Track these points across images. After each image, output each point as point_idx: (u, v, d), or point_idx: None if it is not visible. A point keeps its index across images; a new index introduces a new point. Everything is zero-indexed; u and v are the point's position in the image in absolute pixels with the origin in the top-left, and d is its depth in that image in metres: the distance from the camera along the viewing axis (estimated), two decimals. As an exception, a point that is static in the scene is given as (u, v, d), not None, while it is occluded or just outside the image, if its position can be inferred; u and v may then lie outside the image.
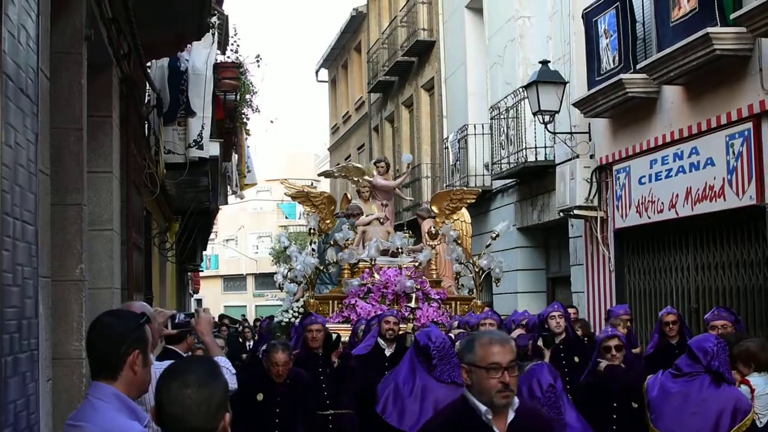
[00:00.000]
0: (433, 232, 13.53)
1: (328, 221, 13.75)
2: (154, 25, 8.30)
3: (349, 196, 16.21)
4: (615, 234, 13.21)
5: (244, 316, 36.40)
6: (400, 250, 12.92)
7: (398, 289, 12.36)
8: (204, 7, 8.32)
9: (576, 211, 13.60)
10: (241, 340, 18.11)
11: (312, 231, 13.41)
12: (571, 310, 11.73)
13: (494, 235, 13.11)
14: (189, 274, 29.10)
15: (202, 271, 37.80)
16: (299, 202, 14.42)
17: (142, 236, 10.54)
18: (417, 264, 12.91)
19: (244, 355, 15.29)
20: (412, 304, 12.08)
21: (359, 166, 15.59)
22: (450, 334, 9.97)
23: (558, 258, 16.53)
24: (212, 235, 30.70)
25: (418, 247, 13.87)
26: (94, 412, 3.13)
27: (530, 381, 7.04)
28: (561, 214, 14.13)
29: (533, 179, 16.04)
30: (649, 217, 12.16)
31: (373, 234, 13.41)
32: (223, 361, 5.61)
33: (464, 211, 14.32)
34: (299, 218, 50.08)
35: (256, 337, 15.77)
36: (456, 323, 11.24)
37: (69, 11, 5.76)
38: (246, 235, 57.61)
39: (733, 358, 6.54)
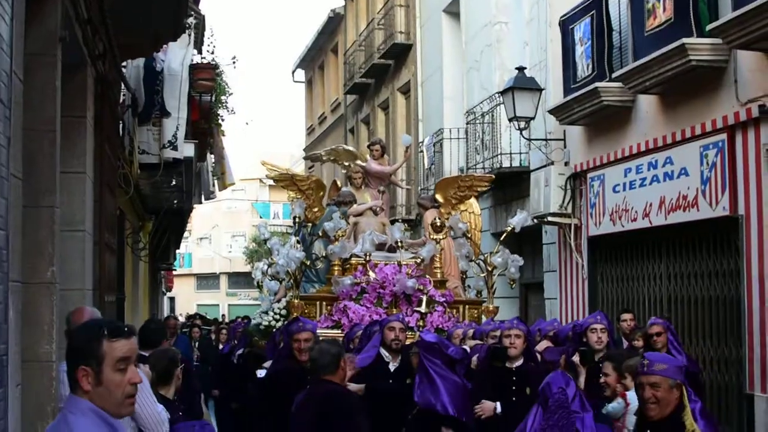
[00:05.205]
0: (438, 224, 11.50)
1: (316, 209, 12.14)
2: (130, 26, 8.27)
3: (338, 182, 14.21)
4: (588, 241, 13.25)
5: (224, 316, 36.14)
6: (399, 244, 11.23)
7: (397, 290, 10.69)
8: (180, 7, 8.29)
9: (550, 218, 13.65)
10: (214, 342, 17.57)
11: (297, 219, 11.74)
12: (626, 316, 10.23)
13: (510, 229, 11.66)
14: (162, 272, 28.98)
15: (176, 269, 37.66)
16: (282, 187, 12.91)
17: (114, 236, 10.46)
18: (419, 260, 11.23)
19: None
20: (423, 309, 10.57)
21: (350, 149, 14.24)
22: (464, 347, 8.96)
23: (531, 264, 16.53)
24: (186, 234, 30.56)
25: (419, 241, 12.25)
26: (68, 427, 3.00)
27: (543, 390, 6.07)
28: (535, 220, 14.15)
29: (508, 185, 16.04)
30: (623, 226, 12.20)
31: (366, 226, 11.64)
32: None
33: (473, 201, 12.76)
34: (273, 218, 50.01)
35: (234, 341, 14.61)
36: (471, 332, 9.74)
37: (43, 14, 5.72)
38: (220, 234, 57.42)
39: (622, 373, 6.66)
